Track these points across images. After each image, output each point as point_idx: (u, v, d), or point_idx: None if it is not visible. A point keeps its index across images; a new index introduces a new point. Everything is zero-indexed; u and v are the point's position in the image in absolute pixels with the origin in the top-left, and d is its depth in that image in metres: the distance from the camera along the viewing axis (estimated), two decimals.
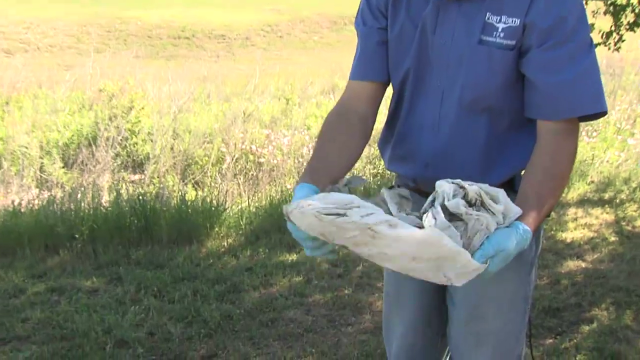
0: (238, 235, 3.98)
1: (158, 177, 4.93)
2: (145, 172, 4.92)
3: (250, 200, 4.43)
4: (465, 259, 0.75)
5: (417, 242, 0.74)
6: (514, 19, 0.92)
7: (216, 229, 3.94)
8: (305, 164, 5.36)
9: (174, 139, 5.49)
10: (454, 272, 0.75)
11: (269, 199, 4.39)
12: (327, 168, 1.03)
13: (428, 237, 0.74)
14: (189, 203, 4.02)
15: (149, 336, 2.53)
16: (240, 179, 5.04)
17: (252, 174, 5.23)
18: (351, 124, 1.08)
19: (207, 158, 5.33)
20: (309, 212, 0.81)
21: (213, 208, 4.01)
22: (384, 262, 0.79)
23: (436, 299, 1.23)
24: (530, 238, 0.86)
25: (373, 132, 1.13)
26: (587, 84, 0.92)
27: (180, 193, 4.16)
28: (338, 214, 0.80)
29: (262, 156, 5.43)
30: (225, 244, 3.84)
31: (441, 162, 1.05)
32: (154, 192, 4.30)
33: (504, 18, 0.91)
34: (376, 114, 1.13)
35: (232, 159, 5.17)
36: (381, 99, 1.14)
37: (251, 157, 5.44)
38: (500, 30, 0.92)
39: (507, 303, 1.11)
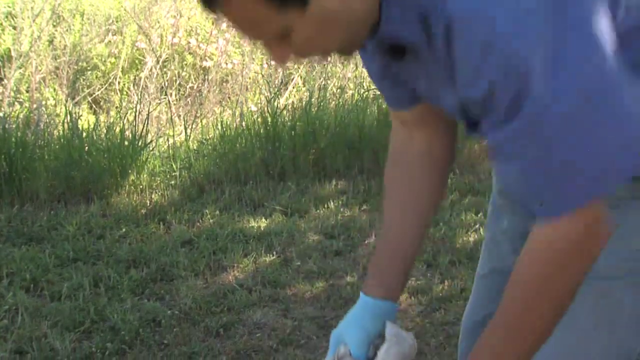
0: (169, 188, 4.05)
1: (29, 92, 4.86)
2: (6, 81, 4.81)
3: (189, 131, 4.46)
4: None
5: None
6: None
7: (132, 178, 3.99)
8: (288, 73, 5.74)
9: (55, 27, 5.36)
10: None
11: (219, 128, 4.42)
12: (396, 253, 1.32)
13: None
14: (84, 135, 4.01)
15: (16, 356, 2.50)
16: (171, 95, 5.05)
17: (192, 87, 5.24)
18: (411, 169, 1.35)
19: (113, 60, 5.28)
20: None
21: (127, 143, 4.03)
22: None
23: None
24: None
25: None
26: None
27: (69, 118, 4.08)
28: None
29: (209, 57, 5.39)
30: (148, 202, 3.89)
31: None
32: (21, 116, 4.25)
33: None
34: (451, 136, 1.34)
35: (158, 62, 5.13)
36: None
37: (189, 58, 5.41)
38: None
39: None
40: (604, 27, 0.93)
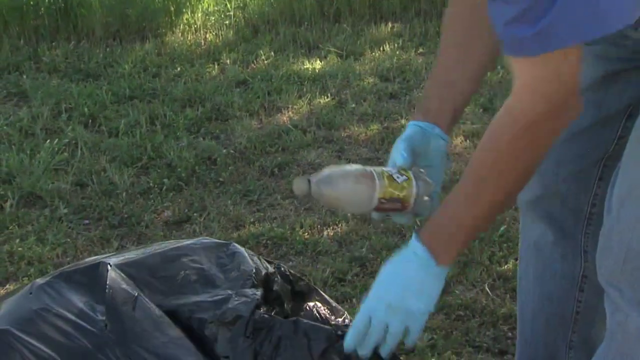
0: (223, 28, 4.00)
1: None
2: None
3: None
4: None
5: None
6: None
7: (186, 17, 3.98)
8: None
9: None
10: None
11: None
12: (443, 80, 1.25)
13: None
14: None
15: (76, 188, 2.55)
16: None
17: None
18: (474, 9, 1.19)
19: None
20: None
21: None
22: None
23: None
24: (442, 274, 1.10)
25: None
26: None
27: None
28: None
29: None
30: (203, 41, 3.87)
31: None
32: None
33: None
34: None
35: None
36: None
37: None
38: None
39: None
40: None
